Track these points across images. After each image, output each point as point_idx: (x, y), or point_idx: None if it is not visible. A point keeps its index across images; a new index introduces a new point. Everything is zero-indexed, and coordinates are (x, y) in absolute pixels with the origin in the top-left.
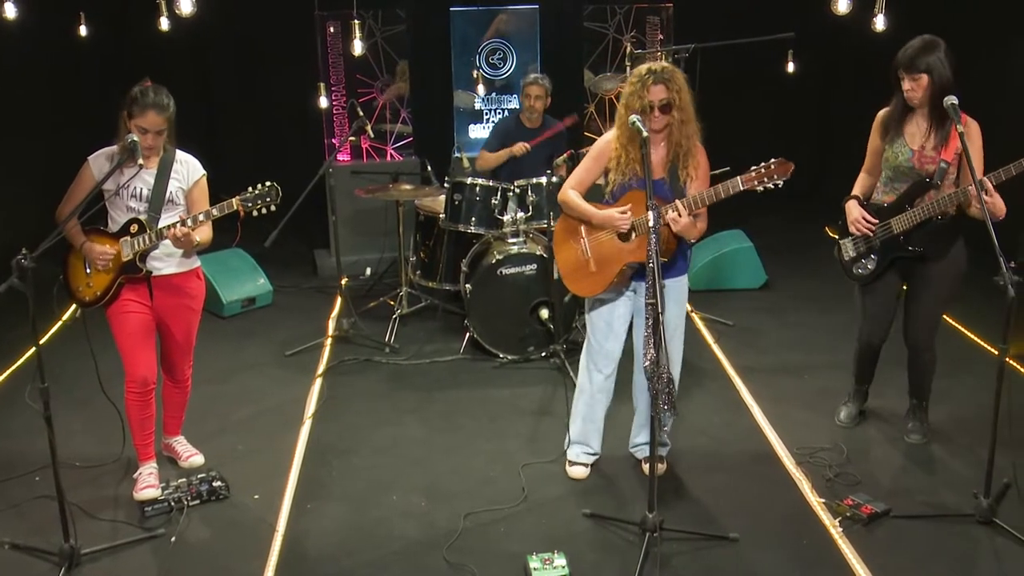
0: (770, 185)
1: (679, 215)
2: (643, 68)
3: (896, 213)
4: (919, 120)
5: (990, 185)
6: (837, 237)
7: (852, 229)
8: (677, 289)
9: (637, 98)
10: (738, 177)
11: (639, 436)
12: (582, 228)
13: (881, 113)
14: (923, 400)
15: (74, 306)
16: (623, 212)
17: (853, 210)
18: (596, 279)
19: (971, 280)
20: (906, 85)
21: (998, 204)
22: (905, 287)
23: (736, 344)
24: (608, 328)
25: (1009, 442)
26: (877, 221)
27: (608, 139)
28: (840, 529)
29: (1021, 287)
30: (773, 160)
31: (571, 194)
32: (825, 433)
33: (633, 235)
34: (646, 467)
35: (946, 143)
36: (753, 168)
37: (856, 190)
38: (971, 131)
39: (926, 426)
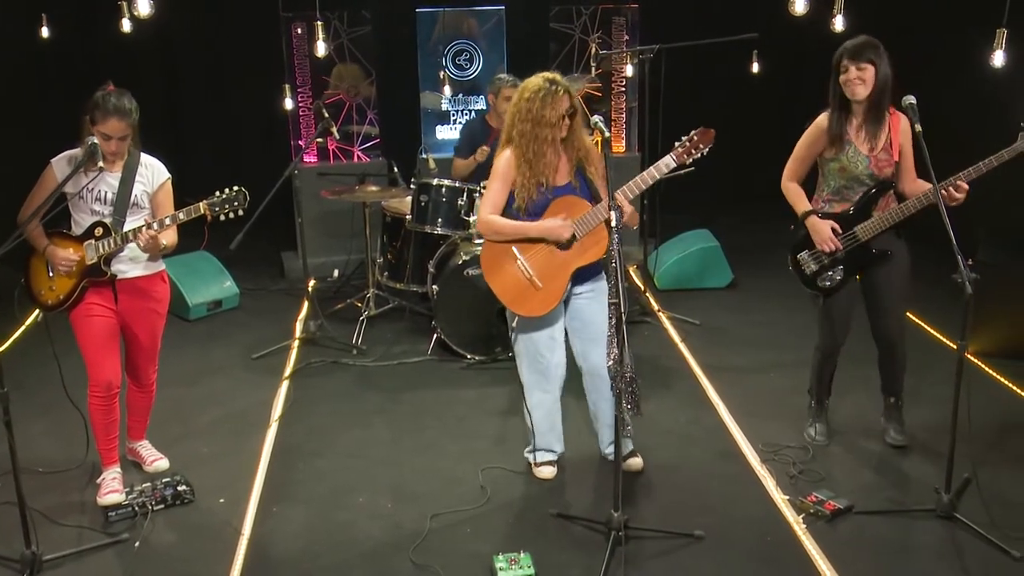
0: (697, 155)
1: (623, 207)
2: (540, 81)
3: (860, 220)
4: (857, 121)
5: (964, 184)
6: (791, 252)
7: (825, 248)
8: (604, 288)
9: (552, 110)
10: (669, 155)
11: (608, 439)
12: (513, 249)
13: (821, 121)
14: (899, 398)
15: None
16: (564, 220)
17: (823, 228)
18: (546, 294)
19: (930, 277)
20: (852, 74)
21: (963, 199)
22: (862, 287)
23: (702, 343)
24: (552, 341)
25: (969, 438)
26: (842, 233)
27: (508, 158)
28: (804, 525)
29: (978, 284)
30: (694, 131)
31: (495, 219)
32: (790, 431)
33: (573, 241)
34: (626, 464)
35: (891, 142)
36: (678, 143)
37: (802, 202)
38: (904, 127)
39: (905, 427)
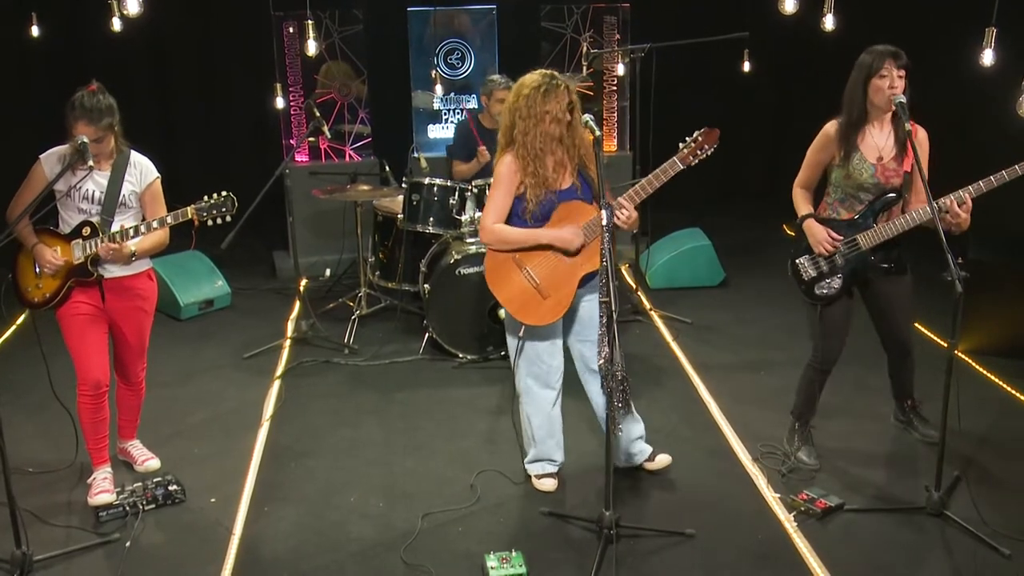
0: (703, 156)
1: (627, 211)
2: (537, 77)
3: (862, 228)
4: (874, 130)
5: (968, 199)
6: (791, 258)
7: (820, 249)
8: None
9: (556, 103)
10: (674, 157)
11: (632, 446)
12: (517, 257)
13: (829, 129)
14: (914, 399)
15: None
16: (575, 229)
17: (817, 231)
18: (555, 303)
19: (919, 275)
20: (896, 76)
21: (967, 220)
22: (867, 299)
23: (694, 341)
24: (553, 346)
25: (959, 436)
26: (841, 238)
27: (509, 163)
28: (795, 523)
29: (968, 283)
30: (698, 132)
31: (500, 227)
32: (781, 429)
33: (582, 248)
34: (648, 465)
35: (904, 152)
36: (682, 144)
37: (803, 207)
38: (922, 138)
39: (931, 422)
